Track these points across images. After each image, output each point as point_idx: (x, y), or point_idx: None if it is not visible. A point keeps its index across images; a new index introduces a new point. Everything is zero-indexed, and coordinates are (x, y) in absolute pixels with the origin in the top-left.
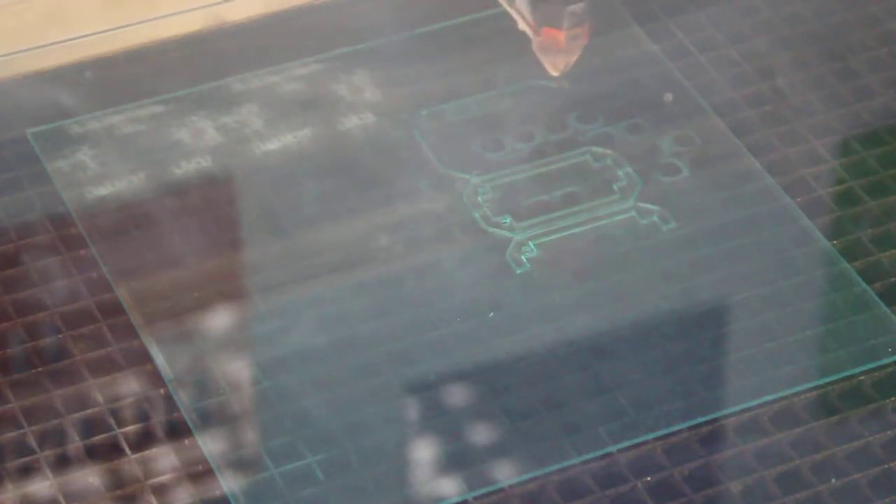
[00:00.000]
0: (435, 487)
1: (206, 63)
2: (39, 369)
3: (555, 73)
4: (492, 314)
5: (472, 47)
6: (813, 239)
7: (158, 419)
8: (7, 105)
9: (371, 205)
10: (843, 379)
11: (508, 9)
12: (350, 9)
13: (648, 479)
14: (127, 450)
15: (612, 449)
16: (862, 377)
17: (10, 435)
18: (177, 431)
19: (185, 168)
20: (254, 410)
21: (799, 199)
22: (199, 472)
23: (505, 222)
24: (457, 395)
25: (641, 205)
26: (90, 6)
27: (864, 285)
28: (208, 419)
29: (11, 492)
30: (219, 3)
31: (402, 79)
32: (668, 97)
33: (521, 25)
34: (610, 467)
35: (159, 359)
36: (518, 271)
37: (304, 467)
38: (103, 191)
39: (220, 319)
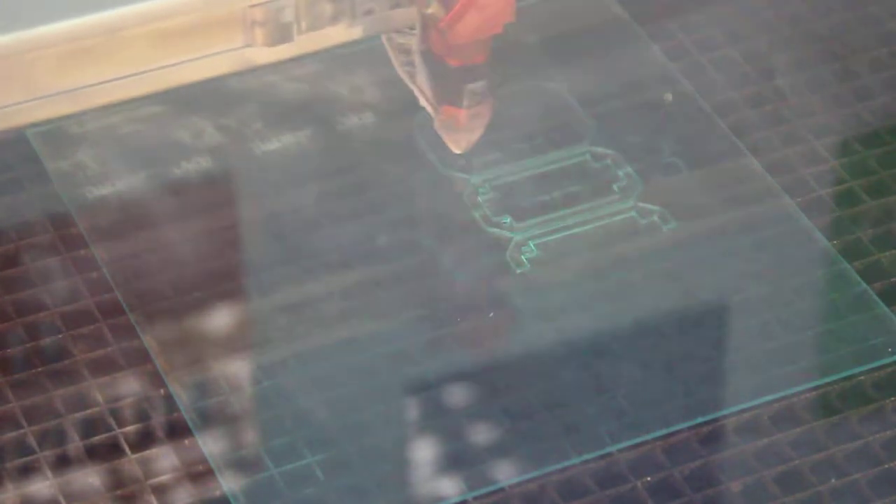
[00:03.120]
0: (435, 487)
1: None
2: (39, 369)
3: (457, 151)
4: (492, 314)
5: None
6: (813, 239)
7: (158, 419)
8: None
9: (371, 205)
10: (843, 379)
11: (411, 85)
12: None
13: (648, 479)
14: (127, 450)
15: (612, 449)
16: (862, 377)
17: (10, 435)
18: (177, 431)
19: (185, 168)
20: (254, 410)
21: (799, 199)
22: (199, 472)
23: (505, 222)
24: (457, 395)
25: (641, 205)
26: (102, 53)
27: (864, 285)
28: (208, 419)
29: (11, 492)
30: (234, 50)
31: (402, 79)
32: (668, 97)
33: (423, 102)
34: (610, 467)
35: (159, 359)
36: (518, 271)
37: (304, 467)
38: (103, 191)
39: (220, 319)
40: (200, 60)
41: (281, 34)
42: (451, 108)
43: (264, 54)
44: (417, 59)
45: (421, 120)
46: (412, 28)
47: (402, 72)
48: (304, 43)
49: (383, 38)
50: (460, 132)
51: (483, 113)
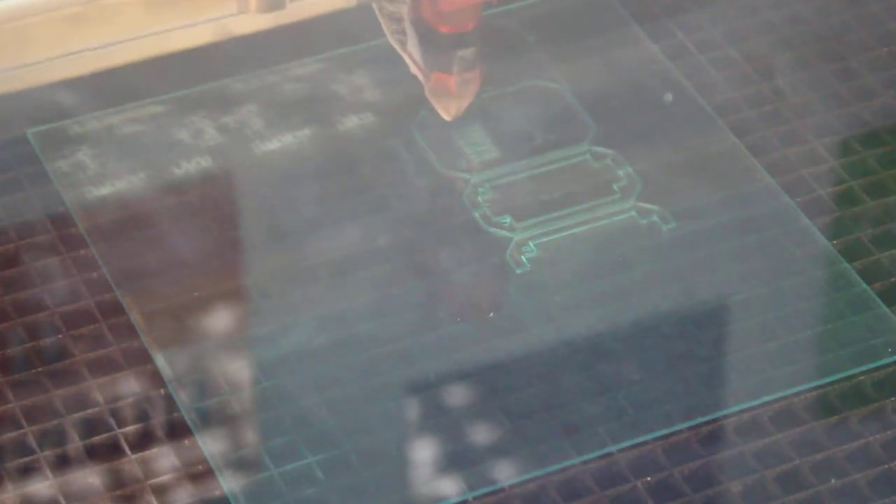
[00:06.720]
0: (435, 487)
1: (206, 64)
2: (39, 369)
3: (447, 118)
4: (492, 314)
5: None
6: (813, 239)
7: (158, 419)
8: (11, 108)
9: (371, 204)
10: (843, 379)
11: (401, 52)
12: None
13: (648, 479)
14: (127, 450)
15: (612, 449)
16: (862, 377)
17: (10, 435)
18: (177, 431)
19: (185, 168)
20: (254, 410)
21: (799, 199)
22: (199, 472)
23: (505, 222)
24: (457, 395)
25: (641, 205)
26: (94, 19)
27: (864, 285)
28: (208, 419)
29: (11, 492)
30: (227, 17)
31: (402, 79)
32: (668, 97)
33: (413, 69)
34: (610, 467)
35: (159, 359)
36: (518, 271)
37: (304, 467)
38: (103, 191)
39: (220, 319)
40: (193, 27)
41: (273, 1)
42: (442, 74)
43: (257, 21)
44: (408, 26)
45: (421, 120)
46: None
47: (392, 40)
48: (296, 10)
49: (374, 6)
50: (451, 98)
51: (473, 79)
